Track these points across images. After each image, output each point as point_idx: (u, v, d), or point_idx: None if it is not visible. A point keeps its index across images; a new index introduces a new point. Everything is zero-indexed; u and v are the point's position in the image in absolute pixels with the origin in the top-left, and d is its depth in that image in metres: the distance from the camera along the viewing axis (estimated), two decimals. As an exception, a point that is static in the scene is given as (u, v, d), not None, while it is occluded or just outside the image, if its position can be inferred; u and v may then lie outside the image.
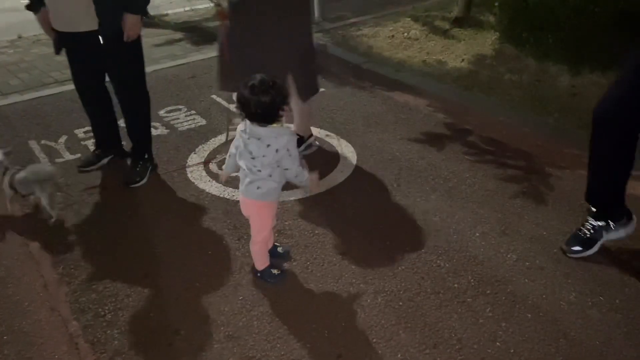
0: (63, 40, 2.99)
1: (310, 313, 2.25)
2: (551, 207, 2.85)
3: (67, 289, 2.44)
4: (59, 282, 2.49)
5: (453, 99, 4.17)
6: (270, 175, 2.15)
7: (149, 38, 5.75)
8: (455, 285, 2.36)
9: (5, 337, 2.20)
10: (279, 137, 2.07)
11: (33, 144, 3.73)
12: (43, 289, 2.45)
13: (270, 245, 2.48)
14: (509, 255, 2.52)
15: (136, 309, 2.31)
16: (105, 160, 3.42)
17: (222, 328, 2.19)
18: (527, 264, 2.47)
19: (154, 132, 3.64)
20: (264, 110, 2.03)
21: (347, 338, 2.13)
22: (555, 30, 4.52)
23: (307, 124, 3.49)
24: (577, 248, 2.49)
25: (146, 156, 3.29)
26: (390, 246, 2.61)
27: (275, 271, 2.41)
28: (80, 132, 3.85)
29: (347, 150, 3.49)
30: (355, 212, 2.88)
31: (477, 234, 2.67)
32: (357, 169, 3.28)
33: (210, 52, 5.33)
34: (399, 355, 2.04)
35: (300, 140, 3.38)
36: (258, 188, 2.17)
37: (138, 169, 3.24)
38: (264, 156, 2.10)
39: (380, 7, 6.41)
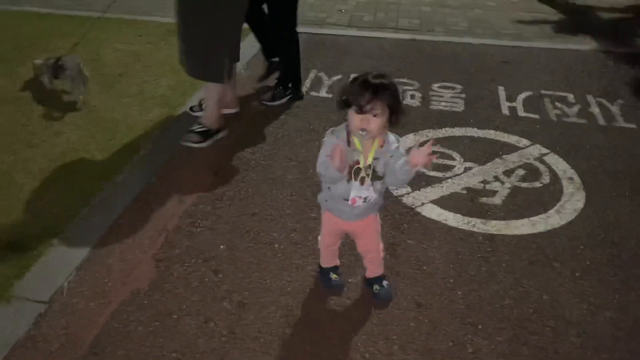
0: None
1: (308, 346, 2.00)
2: None
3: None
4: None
5: None
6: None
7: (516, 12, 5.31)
8: None
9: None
10: None
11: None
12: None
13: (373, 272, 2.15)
14: None
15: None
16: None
17: (222, 286, 2.17)
18: None
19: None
20: None
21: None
22: None
23: (215, 112, 3.00)
24: None
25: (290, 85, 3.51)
26: (479, 336, 2.00)
27: (334, 276, 2.18)
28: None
29: (573, 205, 2.64)
30: (496, 278, 2.24)
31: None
32: (557, 232, 2.48)
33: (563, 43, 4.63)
34: None
35: (206, 134, 2.98)
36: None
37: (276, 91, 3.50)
38: None
39: None
